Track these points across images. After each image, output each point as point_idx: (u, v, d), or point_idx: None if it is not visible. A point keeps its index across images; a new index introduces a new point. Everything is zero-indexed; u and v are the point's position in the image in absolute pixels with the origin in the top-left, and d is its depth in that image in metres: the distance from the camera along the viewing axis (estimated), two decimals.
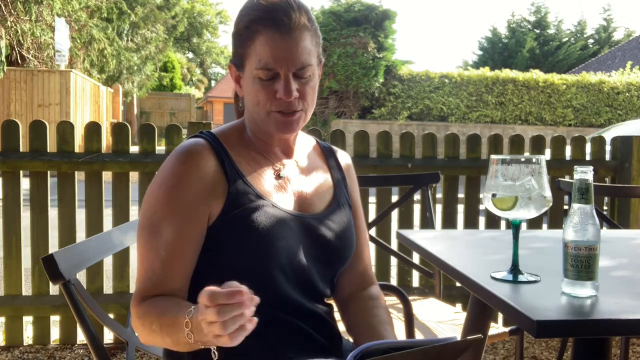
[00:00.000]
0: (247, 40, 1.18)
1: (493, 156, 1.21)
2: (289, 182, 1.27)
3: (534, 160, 1.18)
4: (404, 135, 3.28)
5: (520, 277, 1.22)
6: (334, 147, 1.44)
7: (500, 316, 2.98)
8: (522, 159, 1.18)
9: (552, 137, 3.48)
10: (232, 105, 1.39)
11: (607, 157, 3.51)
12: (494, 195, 1.19)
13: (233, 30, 1.24)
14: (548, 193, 1.18)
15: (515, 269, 1.23)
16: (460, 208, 3.26)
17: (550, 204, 1.19)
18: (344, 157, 1.44)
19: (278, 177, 1.26)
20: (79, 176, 3.01)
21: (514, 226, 1.22)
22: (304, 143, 1.37)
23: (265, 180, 1.24)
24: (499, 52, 26.80)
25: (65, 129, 2.94)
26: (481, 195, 1.34)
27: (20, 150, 2.89)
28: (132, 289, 2.98)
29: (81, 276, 1.45)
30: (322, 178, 1.34)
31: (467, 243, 1.75)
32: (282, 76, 1.17)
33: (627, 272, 1.39)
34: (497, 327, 1.98)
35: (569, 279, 1.11)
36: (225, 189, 1.17)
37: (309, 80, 1.20)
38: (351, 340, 1.34)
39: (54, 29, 12.27)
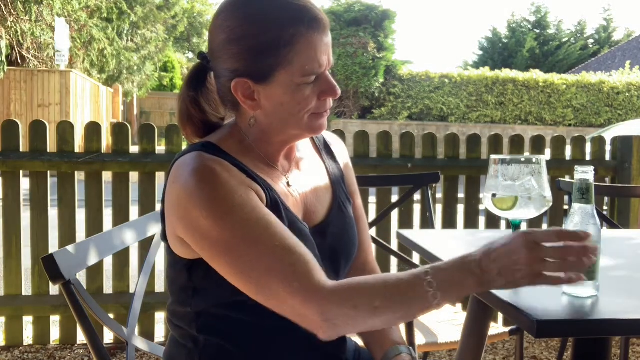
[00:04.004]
0: (284, 47, 1.09)
1: (493, 156, 1.21)
2: (296, 190, 1.23)
3: (534, 160, 1.18)
4: (404, 135, 3.28)
5: None
6: (325, 137, 1.37)
7: (500, 316, 2.98)
8: (522, 159, 1.18)
9: (552, 137, 3.48)
10: None
11: (607, 157, 3.52)
12: (494, 195, 1.19)
13: (252, 42, 1.09)
14: (548, 193, 1.18)
15: None
16: (460, 208, 3.26)
17: (550, 204, 1.19)
18: (337, 144, 1.38)
19: (288, 185, 1.22)
20: (79, 176, 3.01)
21: (514, 226, 1.22)
22: (300, 141, 1.31)
23: (282, 191, 1.19)
24: (499, 52, 26.80)
25: (65, 129, 2.94)
26: (481, 195, 1.34)
27: (20, 150, 2.89)
28: (132, 289, 2.97)
29: (81, 276, 1.45)
30: (320, 177, 1.30)
31: (467, 243, 1.75)
32: (323, 75, 1.14)
33: (627, 272, 1.39)
34: (497, 327, 1.98)
35: None
36: (262, 196, 1.11)
37: None
38: (357, 341, 1.33)
39: (54, 29, 12.27)
